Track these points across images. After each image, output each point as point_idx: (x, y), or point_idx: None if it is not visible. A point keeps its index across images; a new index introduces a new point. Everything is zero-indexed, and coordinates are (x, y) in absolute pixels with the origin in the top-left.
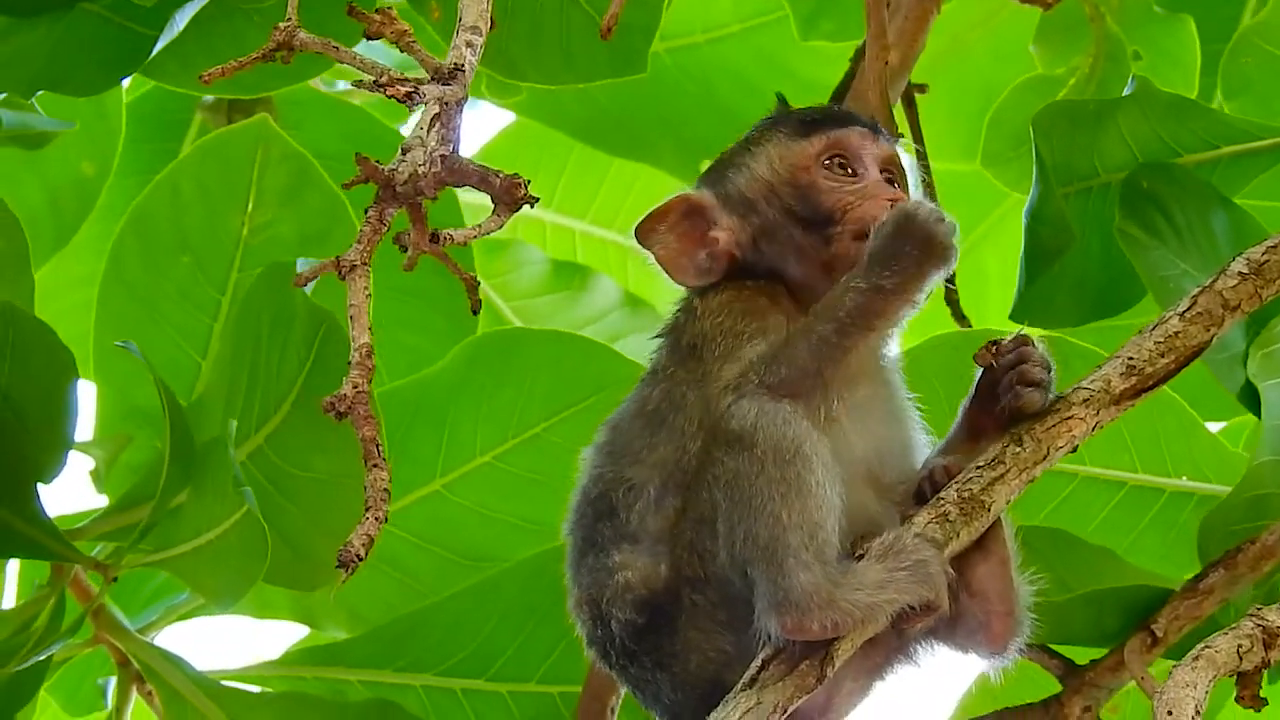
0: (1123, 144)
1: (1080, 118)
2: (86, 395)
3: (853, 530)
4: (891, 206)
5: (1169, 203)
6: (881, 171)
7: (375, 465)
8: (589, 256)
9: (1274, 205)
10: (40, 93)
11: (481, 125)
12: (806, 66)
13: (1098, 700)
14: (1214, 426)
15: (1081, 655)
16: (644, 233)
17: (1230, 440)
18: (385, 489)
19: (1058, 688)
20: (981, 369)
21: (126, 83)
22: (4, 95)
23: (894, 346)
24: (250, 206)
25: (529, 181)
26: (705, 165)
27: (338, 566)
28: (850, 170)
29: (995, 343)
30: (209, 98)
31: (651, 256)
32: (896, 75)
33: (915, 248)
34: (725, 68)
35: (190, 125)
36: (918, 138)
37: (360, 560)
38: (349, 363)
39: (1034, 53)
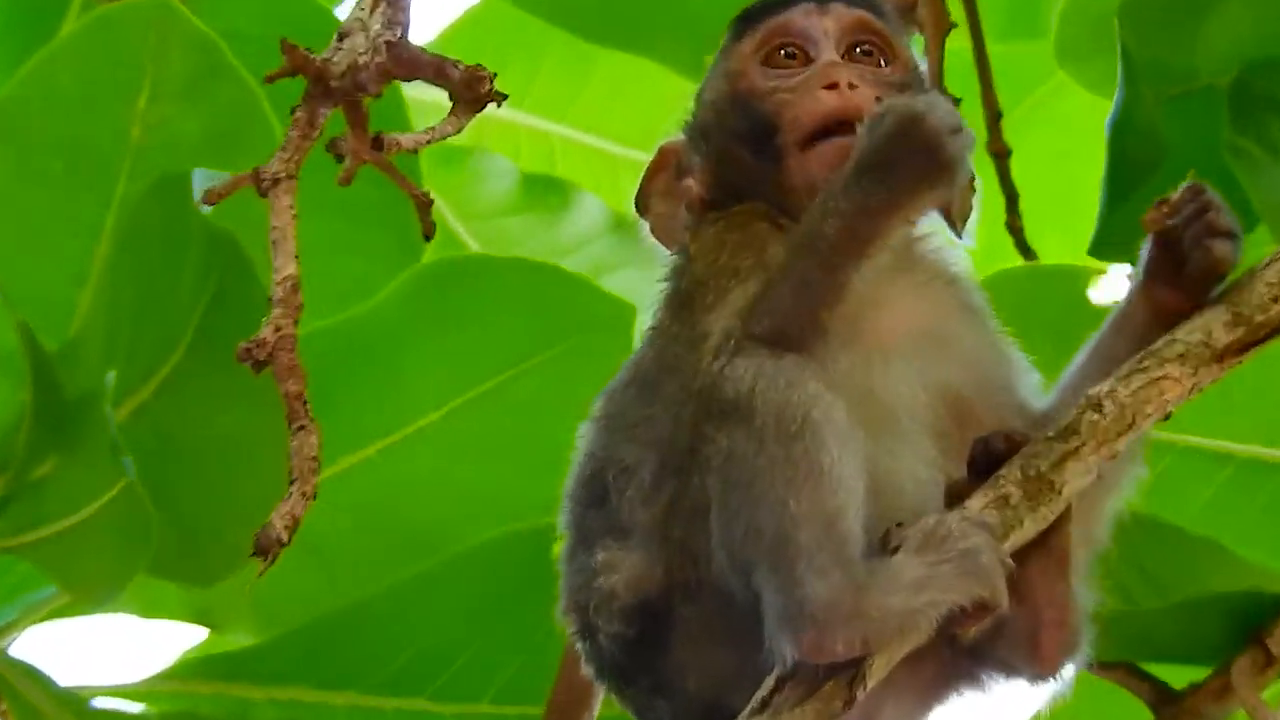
0: (1231, 36)
1: (1177, 4)
2: None
3: (908, 510)
4: (840, 89)
5: None
6: (851, 46)
7: (302, 427)
8: (570, 169)
9: None
10: None
11: (439, 8)
12: None
13: None
14: None
15: (1178, 676)
16: (640, 205)
17: None
18: (314, 456)
19: (1150, 717)
20: (1152, 235)
21: None
22: None
23: (958, 256)
24: (143, 102)
25: (495, 75)
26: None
27: (254, 554)
28: (803, 57)
29: (1164, 200)
30: None
31: (647, 229)
32: None
33: (915, 160)
34: None
35: (71, 2)
36: (974, 17)
37: (283, 545)
38: (270, 299)
39: None
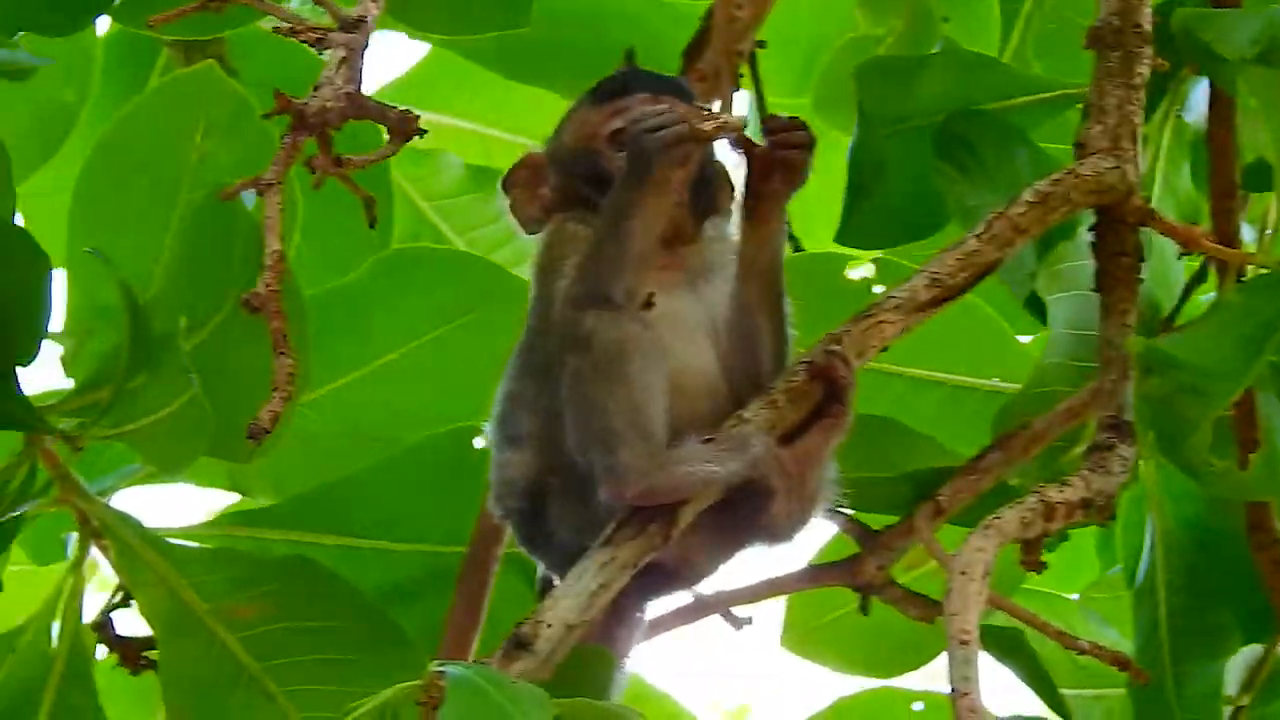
0: (931, 93)
1: (895, 71)
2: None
3: (709, 426)
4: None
5: (977, 143)
6: None
7: (282, 353)
8: (505, 159)
9: (1061, 148)
10: (21, 34)
11: (406, 54)
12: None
13: (889, 559)
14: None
15: (879, 522)
16: (504, 186)
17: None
18: (290, 373)
19: (857, 549)
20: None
21: (104, 25)
22: None
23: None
24: (198, 138)
25: (419, 116)
26: None
27: (248, 438)
28: None
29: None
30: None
31: (506, 207)
32: (748, 29)
33: (633, 157)
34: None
35: (159, 56)
36: (758, 85)
37: (267, 433)
38: (264, 267)
39: (858, 14)
